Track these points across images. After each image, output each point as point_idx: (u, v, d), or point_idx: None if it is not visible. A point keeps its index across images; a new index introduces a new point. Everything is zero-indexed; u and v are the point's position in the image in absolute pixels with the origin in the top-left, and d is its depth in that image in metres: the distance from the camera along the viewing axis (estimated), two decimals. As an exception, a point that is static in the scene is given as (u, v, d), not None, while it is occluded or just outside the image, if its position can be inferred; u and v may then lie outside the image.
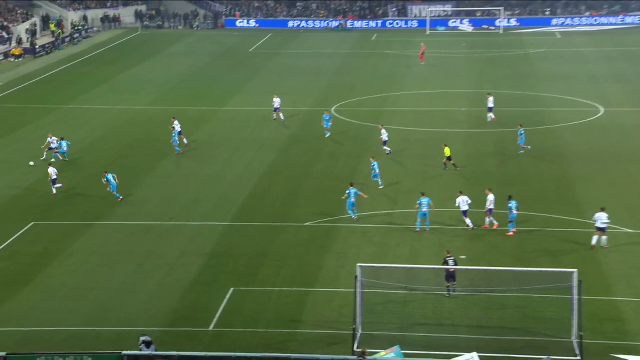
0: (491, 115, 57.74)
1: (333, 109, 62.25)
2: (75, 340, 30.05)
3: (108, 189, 43.81)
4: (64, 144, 50.11)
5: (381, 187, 44.81)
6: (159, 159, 51.45)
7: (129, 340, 29.24)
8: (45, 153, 48.78)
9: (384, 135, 50.94)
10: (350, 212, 40.31)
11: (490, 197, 39.25)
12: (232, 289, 33.99)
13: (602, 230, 36.87)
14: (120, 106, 64.29)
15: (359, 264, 30.41)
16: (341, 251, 37.40)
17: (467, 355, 27.99)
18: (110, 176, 44.10)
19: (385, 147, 50.89)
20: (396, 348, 28.41)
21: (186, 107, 63.46)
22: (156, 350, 27.88)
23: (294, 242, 38.64)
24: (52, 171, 44.65)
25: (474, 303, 32.36)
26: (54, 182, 44.48)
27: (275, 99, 59.29)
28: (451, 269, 32.66)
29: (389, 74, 74.63)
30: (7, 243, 38.52)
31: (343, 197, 40.80)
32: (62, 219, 41.48)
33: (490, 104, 57.67)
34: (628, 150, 51.72)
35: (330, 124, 54.40)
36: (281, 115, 58.86)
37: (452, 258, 33.14)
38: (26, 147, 52.12)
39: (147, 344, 28.00)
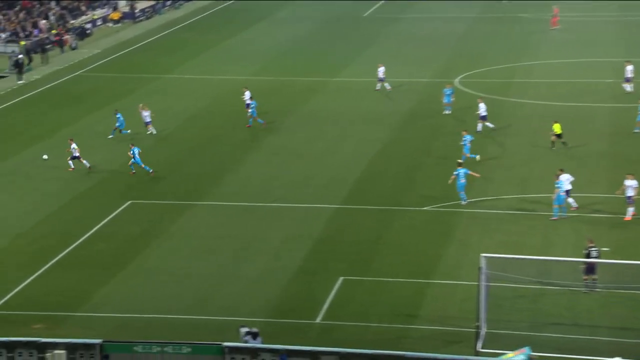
0: (628, 86, 55.69)
1: (456, 80, 61.38)
2: (174, 328, 30.73)
3: (130, 162, 44.59)
4: (120, 117, 50.54)
5: (477, 159, 44.65)
6: (264, 134, 51.93)
7: (230, 331, 29.69)
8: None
9: (482, 110, 49.71)
10: (461, 194, 39.86)
11: (631, 182, 37.88)
12: (341, 278, 34.08)
13: None
14: (222, 76, 65.23)
15: (483, 254, 29.92)
16: (463, 239, 37.03)
17: (610, 361, 27.21)
18: (136, 150, 44.75)
19: (487, 123, 49.73)
20: (526, 349, 27.84)
21: (293, 78, 63.78)
22: (262, 343, 28.20)
23: (411, 228, 38.44)
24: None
25: (616, 301, 31.37)
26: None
27: (379, 68, 58.78)
28: (592, 261, 31.76)
29: (521, 41, 73.03)
30: (103, 222, 39.75)
31: (450, 181, 40.27)
32: (161, 198, 42.43)
33: (629, 74, 55.65)
34: None
35: (452, 99, 53.48)
36: (386, 85, 58.52)
37: (595, 249, 32.22)
38: (125, 120, 53.47)
39: (254, 335, 28.36)
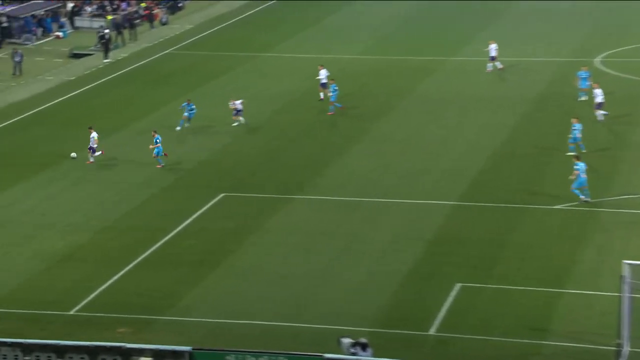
0: None
1: (598, 58, 59.88)
2: (269, 336, 30.67)
3: (151, 147, 44.65)
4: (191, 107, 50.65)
5: (584, 152, 43.55)
6: (372, 119, 51.60)
7: (331, 341, 29.41)
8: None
9: (599, 97, 48.16)
10: (577, 191, 39.01)
11: None
12: (458, 284, 33.55)
13: None
14: (327, 55, 65.09)
15: (625, 261, 28.93)
16: (602, 243, 36.17)
17: None
18: (159, 138, 44.67)
19: (599, 111, 48.16)
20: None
21: (404, 57, 63.29)
22: (373, 355, 27.88)
23: (541, 229, 37.66)
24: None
25: None
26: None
27: (490, 45, 57.78)
28: None
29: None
30: (194, 217, 39.97)
31: (571, 176, 39.30)
32: (256, 191, 42.46)
33: None
34: None
35: (588, 83, 51.93)
36: (497, 64, 57.60)
37: None
38: (219, 102, 53.79)
39: (363, 346, 28.09)
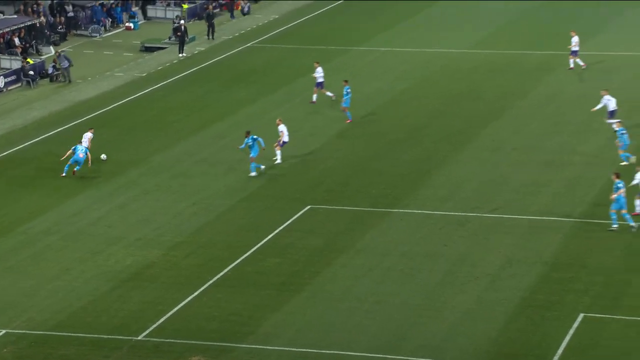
0: None
1: None
2: (361, 370, 30.72)
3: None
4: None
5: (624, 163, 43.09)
6: (483, 123, 51.43)
7: (433, 378, 29.42)
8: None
9: (611, 105, 47.44)
10: (614, 214, 38.47)
11: None
12: (582, 314, 33.30)
13: None
14: (431, 49, 65.23)
15: None
16: None
17: None
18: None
19: (611, 122, 47.37)
20: None
21: (524, 51, 62.84)
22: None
23: (681, 252, 37.14)
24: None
25: None
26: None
27: (573, 37, 57.16)
28: None
29: None
30: (277, 232, 40.29)
31: (612, 196, 38.69)
32: (348, 204, 42.55)
33: None
34: None
35: None
36: (578, 60, 57.18)
37: None
38: (307, 101, 54.05)
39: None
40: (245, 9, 77.84)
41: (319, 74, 53.33)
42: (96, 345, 32.51)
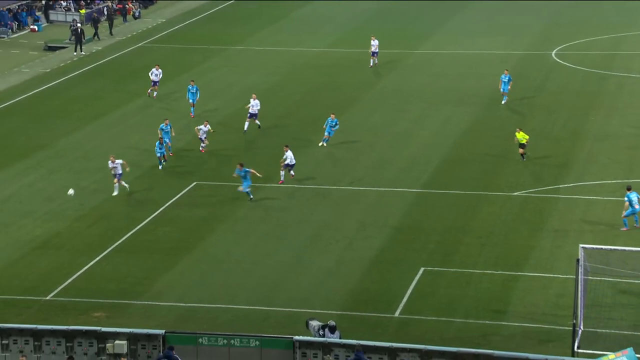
0: None
1: (554, 52, 60.41)
2: (241, 320, 30.92)
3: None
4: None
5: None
6: (342, 109, 51.78)
7: (301, 324, 29.72)
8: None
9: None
10: (626, 220, 36.16)
11: None
12: (422, 269, 33.93)
13: None
14: (295, 48, 65.20)
15: (581, 245, 29.40)
16: (559, 228, 36.52)
17: None
18: (244, 171, 39.76)
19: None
20: (629, 351, 27.23)
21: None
22: (341, 337, 28.21)
23: (500, 215, 38.06)
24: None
25: None
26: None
27: (372, 42, 57.42)
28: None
29: (627, 10, 71.38)
30: (168, 204, 40.10)
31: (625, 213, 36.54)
32: (229, 179, 42.55)
33: None
34: None
35: (508, 87, 50.54)
36: (373, 60, 57.47)
37: None
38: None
39: (332, 329, 28.42)
40: (136, 14, 76.82)
41: (254, 106, 48.41)
42: (9, 304, 32.07)
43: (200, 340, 28.22)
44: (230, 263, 35.11)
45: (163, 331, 28.48)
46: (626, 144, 45.07)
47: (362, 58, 60.75)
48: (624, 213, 36.01)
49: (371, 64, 58.68)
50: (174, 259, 35.43)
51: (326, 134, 45.77)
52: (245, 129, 48.04)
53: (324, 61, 61.64)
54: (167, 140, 44.78)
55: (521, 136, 42.63)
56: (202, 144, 45.52)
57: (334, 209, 39.21)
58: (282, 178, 41.43)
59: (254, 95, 48.55)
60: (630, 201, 35.81)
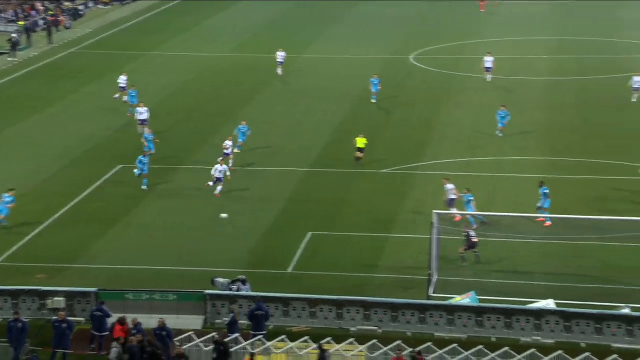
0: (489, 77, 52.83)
1: (411, 56, 61.48)
2: (161, 278, 30.79)
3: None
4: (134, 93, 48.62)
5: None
6: (241, 105, 51.76)
7: (210, 281, 29.78)
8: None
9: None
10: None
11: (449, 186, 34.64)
12: (310, 233, 34.25)
13: None
14: (202, 53, 64.67)
15: (435, 211, 30.30)
16: (419, 198, 37.30)
17: (544, 302, 27.72)
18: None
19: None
20: (471, 294, 28.30)
21: (266, 55, 63.25)
22: (251, 290, 28.40)
23: (372, 188, 38.66)
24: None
25: (551, 251, 31.92)
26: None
27: (279, 53, 56.46)
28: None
29: (469, 21, 72.99)
30: (97, 184, 39.50)
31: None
32: (149, 162, 42.04)
33: (488, 64, 52.79)
34: None
35: (379, 88, 50.35)
36: (279, 70, 56.38)
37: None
38: (115, 92, 52.90)
39: (243, 282, 28.84)
40: (67, 25, 74.87)
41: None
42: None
43: (126, 296, 28.18)
44: (153, 231, 34.91)
45: (96, 289, 28.30)
46: (469, 131, 46.17)
47: (260, 62, 60.71)
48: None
49: (279, 73, 56.84)
50: (105, 228, 35.04)
51: (240, 140, 42.50)
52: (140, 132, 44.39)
53: (226, 64, 61.33)
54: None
55: (361, 141, 40.65)
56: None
57: (238, 186, 39.17)
58: (211, 184, 38.11)
59: (141, 104, 46.22)
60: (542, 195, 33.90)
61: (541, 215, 33.35)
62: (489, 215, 33.02)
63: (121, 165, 41.81)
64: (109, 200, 37.82)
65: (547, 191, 33.91)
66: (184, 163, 42.01)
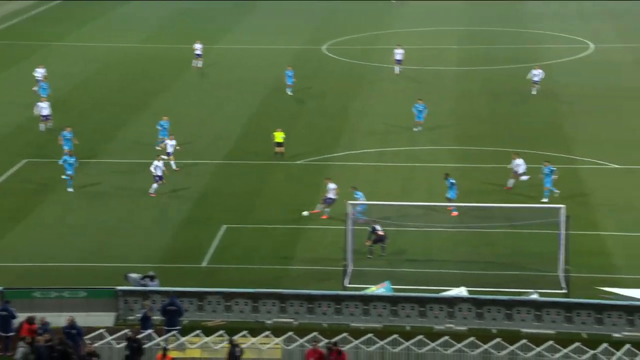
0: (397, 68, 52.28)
1: (324, 47, 61.69)
2: (71, 275, 30.23)
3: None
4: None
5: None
6: (153, 95, 51.05)
7: (123, 276, 29.36)
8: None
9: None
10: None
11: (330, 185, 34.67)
12: (224, 226, 34.11)
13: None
14: (111, 44, 63.46)
15: (349, 202, 30.54)
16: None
17: (456, 290, 28.32)
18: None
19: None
20: (386, 283, 28.70)
21: (178, 45, 62.50)
22: (159, 285, 28.13)
23: (287, 180, 38.73)
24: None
25: (462, 239, 32.61)
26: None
27: (196, 45, 55.48)
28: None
29: (382, 12, 73.66)
30: (1, 179, 38.38)
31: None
32: (55, 157, 41.10)
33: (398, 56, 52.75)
34: (618, 86, 51.67)
35: (293, 80, 50.21)
36: (198, 63, 55.65)
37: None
38: (19, 84, 51.53)
39: (151, 278, 28.53)
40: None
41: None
42: None
43: (34, 294, 27.63)
44: (61, 227, 34.27)
45: (1, 288, 27.56)
46: (382, 121, 46.56)
47: (171, 53, 59.96)
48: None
49: (199, 65, 55.71)
50: (10, 225, 34.15)
51: (160, 136, 41.22)
52: (42, 130, 43.98)
53: (134, 56, 60.35)
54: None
55: (279, 135, 40.35)
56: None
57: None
58: (153, 192, 37.15)
59: (42, 98, 45.27)
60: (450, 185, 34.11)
61: (451, 204, 33.97)
62: (402, 205, 33.37)
63: (26, 160, 40.71)
64: (13, 196, 36.85)
65: (454, 181, 34.39)
66: (94, 157, 41.21)
